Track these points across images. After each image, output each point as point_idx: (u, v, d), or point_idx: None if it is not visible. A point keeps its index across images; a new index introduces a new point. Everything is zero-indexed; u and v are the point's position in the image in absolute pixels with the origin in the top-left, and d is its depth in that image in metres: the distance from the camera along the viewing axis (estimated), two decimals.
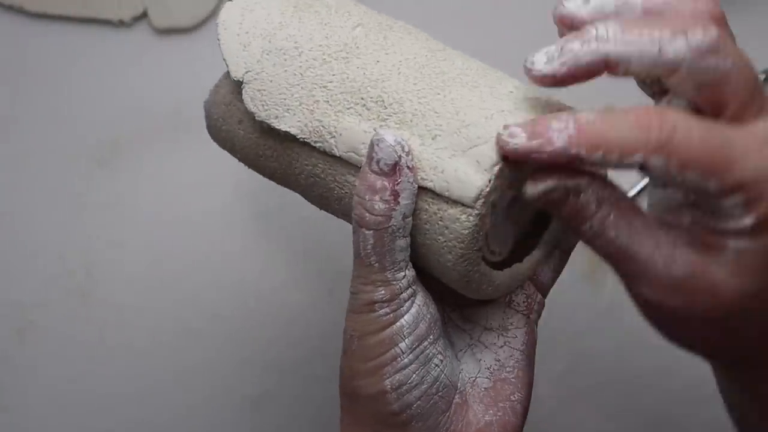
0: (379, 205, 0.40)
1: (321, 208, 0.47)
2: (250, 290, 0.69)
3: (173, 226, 0.68)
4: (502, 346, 0.45)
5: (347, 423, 0.44)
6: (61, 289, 0.68)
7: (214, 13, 0.68)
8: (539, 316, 0.47)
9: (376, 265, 0.41)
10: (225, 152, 0.68)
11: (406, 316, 0.41)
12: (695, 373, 0.64)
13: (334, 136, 0.41)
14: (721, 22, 0.38)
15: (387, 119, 0.40)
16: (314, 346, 0.69)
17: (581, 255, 0.69)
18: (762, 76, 0.69)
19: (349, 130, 0.41)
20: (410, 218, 0.40)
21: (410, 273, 0.41)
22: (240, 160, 0.49)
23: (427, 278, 0.43)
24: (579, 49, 0.36)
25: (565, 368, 0.69)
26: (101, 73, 0.68)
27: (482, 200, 0.39)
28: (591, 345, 0.69)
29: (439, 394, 0.42)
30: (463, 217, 0.39)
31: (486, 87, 0.41)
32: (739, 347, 0.40)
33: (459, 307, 0.46)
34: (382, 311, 0.41)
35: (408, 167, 0.39)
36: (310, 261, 0.69)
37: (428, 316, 0.42)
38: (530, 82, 0.38)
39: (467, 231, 0.39)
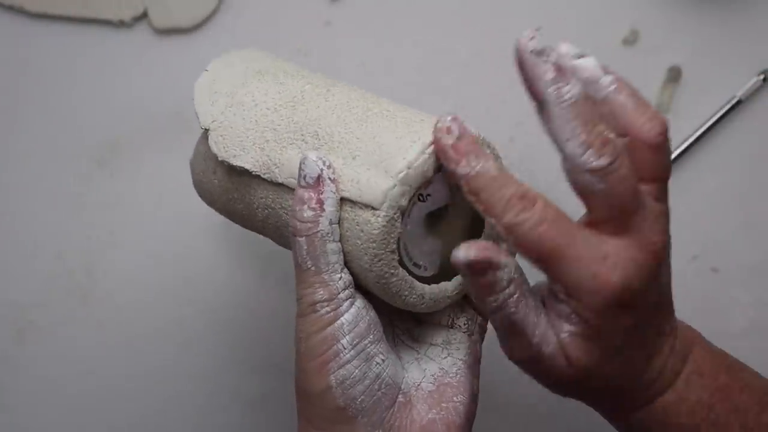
0: (308, 213, 0.45)
1: (279, 243, 0.53)
2: (251, 290, 0.69)
3: (173, 226, 0.68)
4: (445, 358, 0.49)
5: (302, 425, 0.48)
6: (61, 289, 0.68)
7: (214, 14, 0.68)
8: (482, 337, 0.51)
9: (312, 268, 0.46)
10: None
11: (345, 315, 0.46)
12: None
13: (278, 167, 0.48)
14: (661, 147, 0.45)
15: (320, 148, 0.47)
16: None
17: None
18: (761, 77, 0.69)
19: (290, 160, 0.48)
20: (336, 225, 0.46)
21: (346, 276, 0.46)
22: (218, 210, 0.55)
23: (377, 304, 0.48)
24: (548, 79, 0.43)
25: None
26: (101, 73, 0.68)
27: (388, 203, 0.45)
28: None
29: (382, 390, 0.46)
30: (373, 218, 0.45)
31: (401, 118, 0.47)
32: (590, 398, 0.49)
33: (408, 330, 0.51)
34: (323, 310, 0.46)
35: (330, 179, 0.46)
36: None
37: (367, 318, 0.46)
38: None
39: (377, 231, 0.45)
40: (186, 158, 0.68)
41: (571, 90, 0.43)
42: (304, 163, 0.45)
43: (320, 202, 0.45)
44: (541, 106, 0.44)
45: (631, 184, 0.43)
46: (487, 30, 0.69)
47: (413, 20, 0.69)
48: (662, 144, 0.45)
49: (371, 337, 0.46)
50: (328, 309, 0.46)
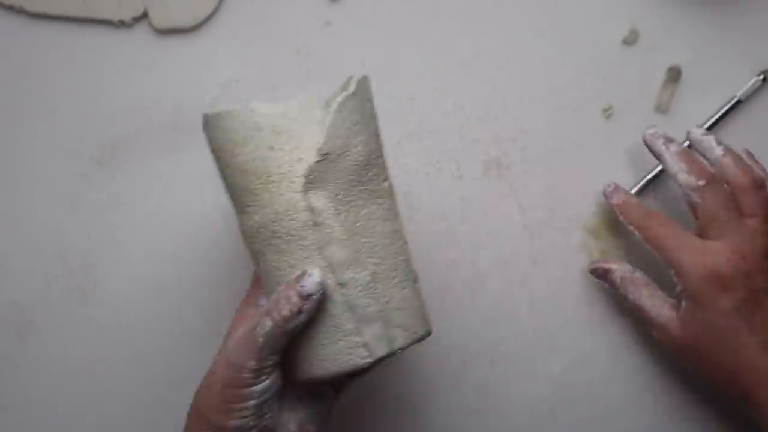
0: (285, 312, 0.53)
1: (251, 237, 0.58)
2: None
3: (173, 226, 0.68)
4: (310, 407, 0.59)
5: (192, 418, 0.57)
6: (61, 289, 0.68)
7: (214, 14, 0.68)
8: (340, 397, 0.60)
9: (261, 341, 0.53)
10: None
11: (260, 385, 0.54)
12: (695, 373, 0.64)
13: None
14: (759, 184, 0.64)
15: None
16: None
17: (581, 254, 0.69)
18: (761, 77, 0.69)
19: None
20: (300, 327, 0.54)
21: (277, 357, 0.54)
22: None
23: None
24: (660, 144, 0.65)
25: (565, 368, 0.69)
26: (101, 73, 0.68)
27: None
28: (591, 345, 0.69)
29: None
30: None
31: None
32: (703, 370, 0.64)
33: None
34: (246, 375, 0.54)
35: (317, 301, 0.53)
36: None
37: (275, 387, 0.55)
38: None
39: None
40: (185, 158, 0.69)
41: (676, 147, 0.65)
42: (308, 277, 0.53)
43: (300, 312, 0.53)
44: (660, 159, 0.65)
45: (720, 200, 0.62)
46: (487, 30, 0.69)
47: (413, 20, 0.69)
48: (751, 187, 0.62)
49: (271, 400, 0.55)
50: (250, 375, 0.54)
